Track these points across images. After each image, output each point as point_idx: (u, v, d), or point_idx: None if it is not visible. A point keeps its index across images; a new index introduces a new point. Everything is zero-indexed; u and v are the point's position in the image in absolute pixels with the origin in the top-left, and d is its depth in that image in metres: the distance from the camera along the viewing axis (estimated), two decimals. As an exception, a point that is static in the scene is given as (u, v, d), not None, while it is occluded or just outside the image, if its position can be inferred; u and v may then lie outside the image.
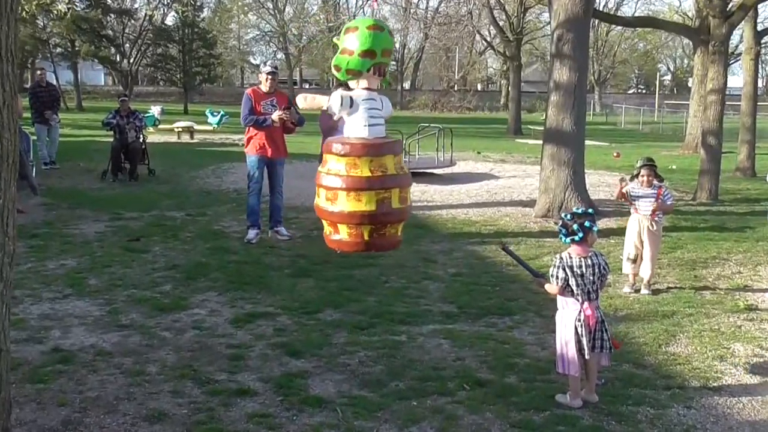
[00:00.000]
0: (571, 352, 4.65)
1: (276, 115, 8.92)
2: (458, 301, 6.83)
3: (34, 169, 12.33)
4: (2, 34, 3.23)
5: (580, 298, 4.64)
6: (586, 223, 4.65)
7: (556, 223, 4.85)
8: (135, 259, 8.05)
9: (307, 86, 72.58)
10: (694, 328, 6.22)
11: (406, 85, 71.75)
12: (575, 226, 4.63)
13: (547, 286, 4.77)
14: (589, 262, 4.66)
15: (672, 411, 4.60)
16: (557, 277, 4.63)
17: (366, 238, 4.53)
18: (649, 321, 6.38)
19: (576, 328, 4.64)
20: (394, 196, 4.46)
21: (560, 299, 4.70)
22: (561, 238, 4.70)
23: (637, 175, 7.37)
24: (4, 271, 3.37)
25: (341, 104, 4.49)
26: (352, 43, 4.41)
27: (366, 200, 4.39)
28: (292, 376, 5.01)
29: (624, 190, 7.32)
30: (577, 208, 4.93)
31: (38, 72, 16.86)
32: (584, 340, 4.63)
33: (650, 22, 26.71)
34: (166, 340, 5.65)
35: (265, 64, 9.80)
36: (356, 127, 4.52)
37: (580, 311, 4.64)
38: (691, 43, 30.07)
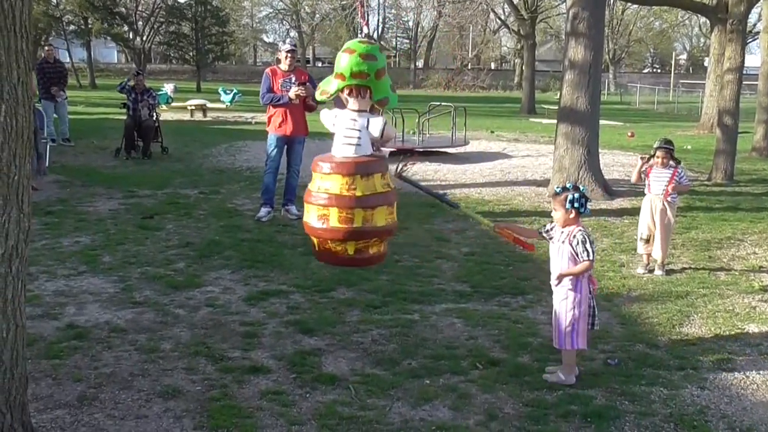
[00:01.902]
0: (583, 325, 4.66)
1: (292, 92, 8.90)
2: (471, 280, 6.83)
3: (48, 147, 12.37)
4: (17, 10, 3.22)
5: (590, 271, 4.68)
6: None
7: (559, 190, 4.78)
8: (148, 237, 8.08)
9: (320, 64, 72.30)
10: (708, 308, 6.19)
11: (419, 63, 71.41)
12: (584, 200, 4.64)
13: (574, 269, 4.65)
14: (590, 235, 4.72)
15: (685, 391, 4.59)
16: (593, 252, 4.62)
17: (350, 253, 4.59)
18: (663, 301, 6.36)
19: (590, 301, 4.68)
20: (357, 216, 4.45)
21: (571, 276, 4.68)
22: (578, 209, 4.63)
23: (653, 156, 7.32)
24: (20, 247, 3.39)
25: (328, 120, 4.65)
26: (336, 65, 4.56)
27: (334, 217, 4.48)
28: (305, 353, 5.03)
29: (645, 168, 7.28)
30: (571, 183, 4.95)
31: (47, 48, 16.90)
32: (596, 312, 4.77)
33: (667, 0, 26.40)
34: (179, 317, 5.68)
35: (284, 42, 9.79)
36: (334, 144, 4.65)
37: (590, 284, 4.69)
38: (708, 21, 29.73)
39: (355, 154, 4.54)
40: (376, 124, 4.55)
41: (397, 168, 4.96)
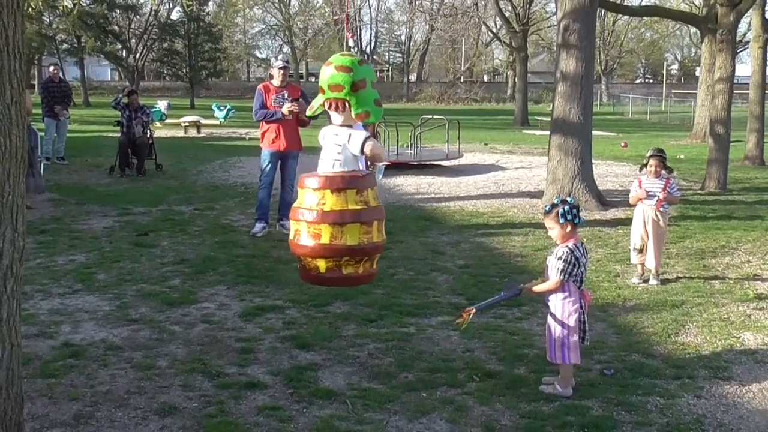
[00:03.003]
0: (574, 340, 4.66)
1: (285, 109, 8.93)
2: (467, 292, 6.83)
3: (42, 165, 12.37)
4: (9, 31, 3.23)
5: (580, 285, 4.68)
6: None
7: (548, 208, 4.79)
8: (143, 254, 8.08)
9: (313, 80, 72.41)
10: (704, 317, 6.21)
11: (413, 77, 71.65)
12: (576, 211, 4.65)
13: (543, 286, 4.70)
14: (582, 248, 4.72)
15: (682, 400, 4.60)
16: (568, 273, 4.60)
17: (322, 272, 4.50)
18: (658, 311, 6.37)
19: (579, 316, 4.67)
20: (333, 232, 4.37)
21: (562, 289, 4.68)
22: (570, 220, 4.63)
23: (645, 165, 7.35)
24: (14, 266, 3.39)
25: (320, 136, 4.66)
26: None
27: (304, 232, 4.46)
28: (302, 368, 5.02)
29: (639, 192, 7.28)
30: (558, 198, 4.94)
31: (51, 68, 16.98)
32: (586, 327, 4.75)
33: (657, 11, 26.70)
34: (175, 334, 5.67)
35: (276, 58, 9.83)
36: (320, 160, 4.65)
37: (581, 299, 4.69)
38: (698, 31, 29.92)
39: (335, 169, 4.49)
40: (357, 140, 4.49)
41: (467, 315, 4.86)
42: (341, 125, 4.54)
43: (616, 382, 4.85)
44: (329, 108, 4.53)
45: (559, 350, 4.67)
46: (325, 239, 4.38)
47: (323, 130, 4.65)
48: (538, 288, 4.74)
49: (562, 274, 4.60)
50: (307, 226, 4.43)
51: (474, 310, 4.77)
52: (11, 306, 3.41)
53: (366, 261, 4.52)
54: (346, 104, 4.45)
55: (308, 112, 4.68)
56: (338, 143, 4.53)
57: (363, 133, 4.54)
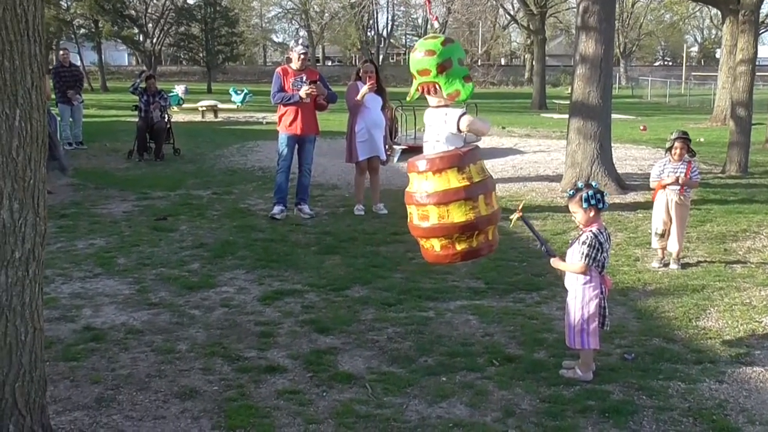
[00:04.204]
0: (594, 325, 4.63)
1: (303, 91, 8.91)
2: (485, 277, 6.81)
3: (62, 149, 12.44)
4: (29, 15, 3.23)
5: (601, 270, 4.65)
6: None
7: (572, 192, 4.76)
8: (162, 238, 8.11)
9: (329, 63, 72.38)
10: (725, 301, 6.16)
11: (430, 60, 71.16)
12: (600, 195, 4.61)
13: (567, 265, 4.69)
14: (606, 234, 4.69)
15: (704, 385, 4.57)
16: (593, 258, 4.58)
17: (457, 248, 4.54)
18: (679, 295, 6.33)
19: (600, 302, 4.65)
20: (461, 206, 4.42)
21: (583, 274, 4.65)
22: (593, 205, 4.60)
23: (670, 148, 7.26)
24: (36, 250, 3.40)
25: (425, 118, 4.73)
26: None
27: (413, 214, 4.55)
28: (321, 352, 5.04)
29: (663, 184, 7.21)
30: (581, 182, 4.91)
31: (61, 52, 17.05)
32: (606, 312, 4.71)
33: (677, -8, 26.23)
34: (195, 318, 5.70)
35: (296, 42, 9.80)
36: None
37: (601, 284, 4.66)
38: (719, 12, 29.52)
39: (437, 149, 4.54)
40: (453, 117, 4.53)
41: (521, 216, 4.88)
42: (437, 106, 4.59)
43: (636, 366, 4.82)
44: (424, 92, 4.59)
45: (579, 336, 4.64)
46: (433, 220, 4.45)
47: (426, 112, 4.69)
48: (563, 265, 4.71)
49: (587, 259, 4.57)
50: (417, 209, 4.52)
51: (521, 214, 4.84)
52: (34, 290, 3.43)
53: (479, 234, 4.53)
54: (437, 86, 4.50)
55: (407, 98, 4.71)
56: (437, 123, 4.58)
57: (458, 111, 4.57)
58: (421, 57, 4.48)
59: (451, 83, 4.48)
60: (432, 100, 4.60)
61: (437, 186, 4.41)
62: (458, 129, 4.51)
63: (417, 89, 4.60)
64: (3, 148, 3.20)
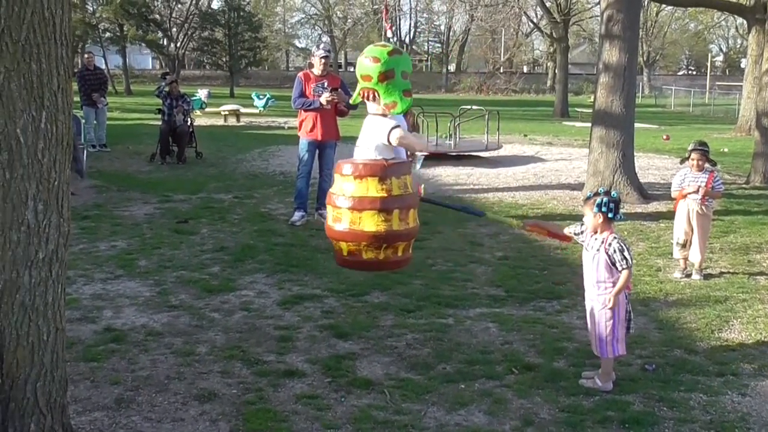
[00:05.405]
0: (622, 332, 4.62)
1: (324, 98, 8.93)
2: (505, 284, 6.78)
3: (84, 152, 12.56)
4: (57, 18, 3.26)
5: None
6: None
7: (590, 194, 4.76)
8: (183, 241, 8.15)
9: (352, 69, 72.39)
10: (748, 313, 6.09)
11: (452, 67, 71.31)
12: (612, 205, 4.58)
13: (620, 285, 4.58)
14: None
15: (726, 398, 4.52)
16: (631, 260, 4.57)
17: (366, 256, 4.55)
18: (701, 306, 6.27)
19: (626, 306, 4.64)
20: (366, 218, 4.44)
21: (612, 282, 4.62)
22: (605, 213, 4.56)
23: (687, 158, 7.22)
24: (60, 251, 3.43)
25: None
26: None
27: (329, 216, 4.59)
28: (340, 357, 5.03)
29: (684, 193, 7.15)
30: (603, 188, 4.88)
31: (86, 56, 17.23)
32: (631, 316, 4.71)
33: (702, 1, 26.09)
34: (215, 321, 5.72)
35: (318, 47, 9.84)
36: None
37: (625, 290, 4.63)
38: (745, 22, 29.28)
39: (367, 156, 4.58)
40: (384, 129, 4.55)
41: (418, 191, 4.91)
42: (374, 114, 4.63)
43: (657, 377, 4.78)
44: (364, 97, 4.62)
45: (609, 344, 4.61)
46: (345, 224, 4.47)
47: (366, 118, 4.73)
48: (618, 287, 4.59)
49: (630, 261, 4.56)
50: (333, 210, 4.55)
51: (421, 194, 4.90)
52: (56, 290, 3.45)
53: (387, 248, 4.52)
54: (376, 94, 4.52)
55: (351, 100, 4.76)
56: (371, 131, 4.61)
57: (391, 123, 4.58)
58: (366, 63, 4.51)
59: (390, 94, 4.50)
60: (371, 106, 4.62)
61: (356, 192, 4.42)
62: (388, 141, 4.54)
63: (359, 93, 4.63)
64: (29, 149, 3.24)
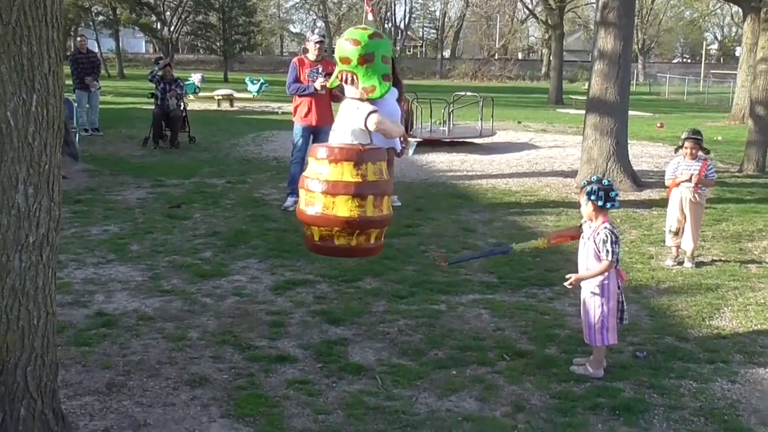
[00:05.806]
0: (613, 321, 4.62)
1: (318, 83, 8.90)
2: (498, 271, 6.79)
3: (77, 135, 12.50)
4: (47, 0, 3.23)
5: (616, 264, 4.61)
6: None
7: (584, 182, 4.74)
8: (176, 226, 8.13)
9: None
10: (739, 301, 6.11)
11: (446, 53, 71.14)
12: (612, 193, 4.57)
13: (593, 271, 4.58)
14: (616, 229, 4.66)
15: (716, 385, 4.54)
16: (615, 254, 4.54)
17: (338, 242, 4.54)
18: (693, 294, 6.29)
19: (618, 296, 4.63)
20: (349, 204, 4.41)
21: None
22: (595, 201, 4.55)
23: (681, 147, 7.23)
24: (50, 235, 3.41)
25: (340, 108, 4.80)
26: None
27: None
28: (332, 343, 5.04)
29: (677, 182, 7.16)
30: (597, 176, 4.88)
31: (79, 39, 17.13)
32: (624, 306, 4.70)
33: (698, -12, 25.99)
34: (207, 306, 5.71)
35: (312, 32, 9.79)
36: None
37: (617, 278, 4.63)
38: (740, 10, 29.25)
39: (343, 141, 4.56)
40: (361, 113, 4.52)
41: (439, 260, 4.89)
42: (352, 98, 4.59)
43: (648, 364, 4.80)
44: (342, 80, 4.59)
45: (599, 332, 4.61)
46: (318, 208, 4.44)
47: (343, 102, 4.69)
48: (587, 274, 4.62)
49: (613, 256, 4.53)
50: (305, 194, 4.52)
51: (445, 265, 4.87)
52: (47, 274, 3.44)
53: (360, 234, 4.51)
54: (355, 77, 4.49)
55: (328, 84, 4.71)
56: (348, 115, 4.58)
57: (368, 108, 4.54)
58: (345, 45, 4.48)
59: (369, 77, 4.48)
60: (349, 90, 4.58)
61: (330, 176, 4.39)
62: (365, 126, 4.51)
63: (337, 76, 4.60)
64: (19, 133, 3.21)
